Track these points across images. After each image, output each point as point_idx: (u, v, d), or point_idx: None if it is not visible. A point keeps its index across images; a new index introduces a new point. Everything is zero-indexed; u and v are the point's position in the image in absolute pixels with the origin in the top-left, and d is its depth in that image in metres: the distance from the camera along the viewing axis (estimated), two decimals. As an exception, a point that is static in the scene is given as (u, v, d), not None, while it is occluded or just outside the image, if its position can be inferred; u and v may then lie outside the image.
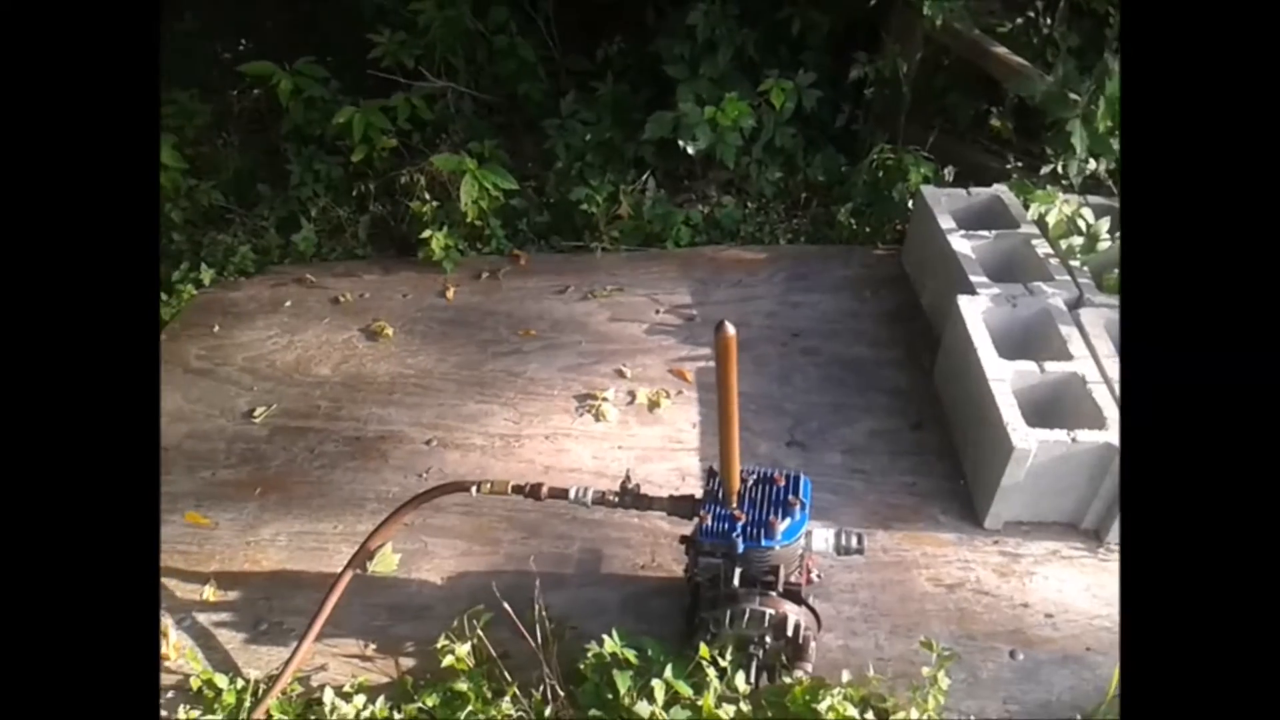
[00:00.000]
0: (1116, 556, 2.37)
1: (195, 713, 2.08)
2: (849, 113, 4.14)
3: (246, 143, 4.49)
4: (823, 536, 1.99)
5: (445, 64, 4.26)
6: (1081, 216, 2.98)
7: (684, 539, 2.11)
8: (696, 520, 1.94)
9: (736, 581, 1.93)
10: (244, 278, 3.84)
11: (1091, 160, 3.39)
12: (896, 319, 3.31)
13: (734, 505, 1.91)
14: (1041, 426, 2.33)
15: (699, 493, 2.02)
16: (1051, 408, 2.51)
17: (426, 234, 3.64)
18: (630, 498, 2.04)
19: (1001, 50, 3.62)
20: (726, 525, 1.89)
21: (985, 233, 3.13)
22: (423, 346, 3.32)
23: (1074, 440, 2.30)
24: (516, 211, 3.97)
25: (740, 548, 1.88)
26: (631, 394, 3.02)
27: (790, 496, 1.92)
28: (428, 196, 3.74)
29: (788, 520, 1.89)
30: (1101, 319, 2.70)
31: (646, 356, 3.19)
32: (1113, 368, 2.51)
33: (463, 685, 2.03)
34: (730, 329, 1.53)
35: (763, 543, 1.88)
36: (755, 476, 1.98)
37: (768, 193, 4.03)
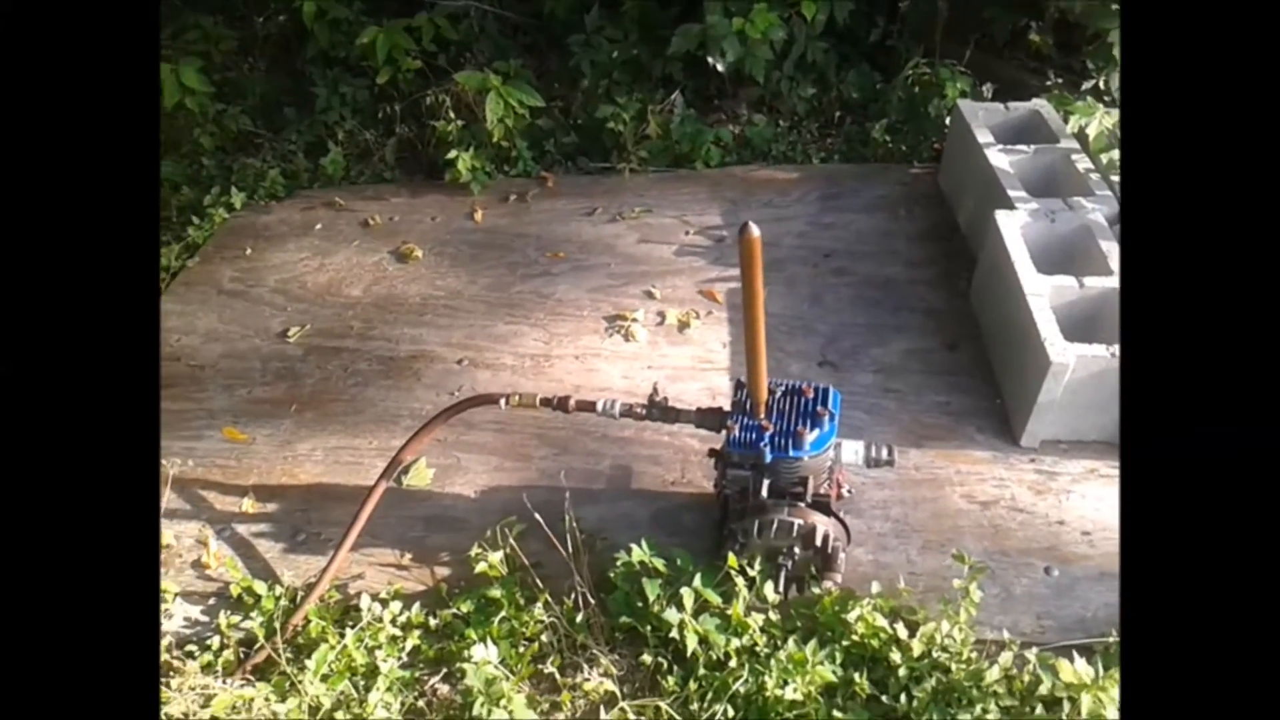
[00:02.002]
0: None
1: (236, 618, 2.14)
2: (884, 27, 4.01)
3: (272, 67, 4.46)
4: (852, 448, 1.99)
5: (469, -19, 4.18)
6: (1125, 129, 2.88)
7: (713, 452, 2.11)
8: (724, 433, 1.94)
9: (765, 492, 1.94)
10: (274, 201, 3.85)
11: (1137, 73, 3.26)
12: (932, 238, 3.24)
13: (761, 416, 1.90)
14: (1080, 342, 2.28)
15: (727, 407, 2.02)
16: (1091, 324, 2.45)
17: (452, 155, 3.61)
18: (658, 410, 2.04)
19: (1044, -41, 3.48)
20: (754, 436, 1.89)
21: (1024, 147, 3.04)
22: (452, 268, 3.32)
23: (1113, 355, 2.25)
24: (543, 132, 3.92)
25: (768, 458, 1.88)
26: (661, 315, 3.00)
27: (819, 408, 1.91)
28: (453, 116, 3.69)
29: (816, 431, 1.88)
30: (1144, 234, 2.62)
31: (676, 277, 3.17)
32: (1154, 283, 2.45)
33: (496, 592, 2.07)
34: (754, 230, 1.49)
35: (791, 453, 1.87)
36: (783, 388, 1.96)
37: (800, 110, 3.94)
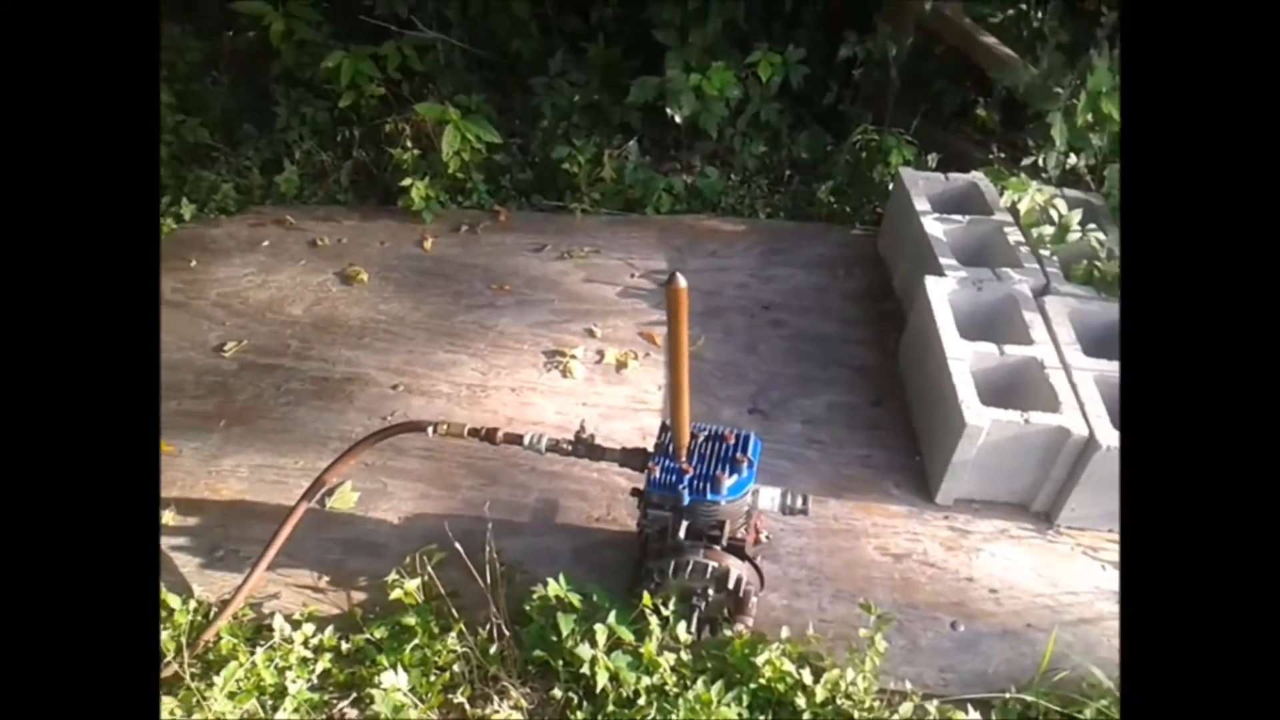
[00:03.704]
0: (1064, 538, 2.43)
1: (145, 632, 2.11)
2: (837, 92, 4.16)
3: (236, 83, 4.47)
4: (769, 495, 2.04)
5: (439, 16, 4.25)
6: (1054, 206, 3.01)
7: (635, 491, 2.15)
8: (646, 473, 1.98)
9: (682, 534, 1.98)
10: (224, 215, 3.84)
11: (1071, 155, 3.43)
12: (867, 298, 3.35)
13: (683, 459, 1.95)
14: (997, 407, 2.37)
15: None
16: (1010, 391, 2.55)
17: (407, 182, 3.65)
18: (584, 447, 2.07)
19: (991, 40, 3.65)
20: (674, 478, 1.94)
21: (959, 217, 3.16)
22: (396, 294, 3.34)
23: (1026, 421, 2.34)
24: (500, 167, 3.98)
25: (686, 500, 1.93)
26: (600, 353, 3.05)
27: (739, 454, 1.97)
28: (410, 145, 3.74)
29: (734, 477, 1.94)
30: (1066, 307, 2.74)
31: (618, 318, 3.22)
32: (1072, 354, 2.56)
33: (410, 620, 2.08)
34: (681, 280, 1.55)
35: (709, 497, 1.92)
36: (706, 433, 2.02)
37: (751, 166, 4.06)
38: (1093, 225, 2.97)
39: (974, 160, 3.89)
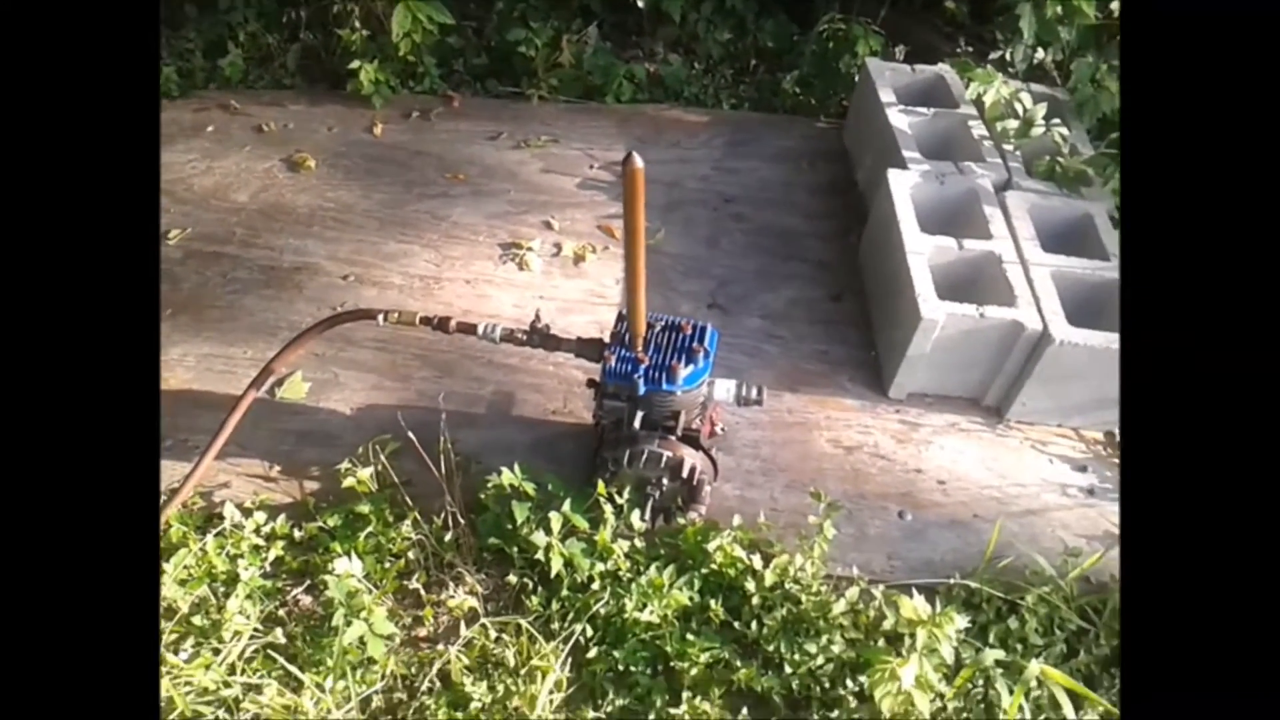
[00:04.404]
0: (1014, 432, 2.47)
1: (93, 521, 2.08)
2: (805, -22, 4.01)
3: (176, -38, 4.21)
4: (724, 386, 2.04)
5: (387, -113, 4.01)
6: (1019, 101, 2.97)
7: (591, 382, 2.13)
8: (602, 362, 1.96)
9: (637, 424, 1.98)
10: (166, 100, 3.65)
11: (1039, 49, 3.36)
12: (831, 192, 3.30)
13: (639, 349, 1.93)
14: (955, 302, 2.37)
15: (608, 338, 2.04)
16: (968, 286, 2.55)
17: (355, 65, 3.49)
18: (538, 337, 2.04)
19: (963, -75, 3.53)
20: (629, 367, 1.92)
21: (923, 110, 3.11)
22: (345, 181, 3.23)
23: (982, 315, 2.35)
24: (453, 50, 3.82)
25: (642, 390, 1.91)
26: (558, 246, 2.99)
27: (695, 344, 1.95)
28: (359, 26, 3.57)
29: (690, 367, 1.92)
30: (1026, 202, 2.73)
31: (576, 210, 3.15)
32: (1030, 250, 2.56)
33: (364, 508, 2.07)
34: (638, 161, 1.49)
35: (664, 386, 1.91)
36: (663, 324, 2.00)
37: (715, 54, 3.93)
38: (1057, 120, 2.93)
39: (941, 52, 3.81)
